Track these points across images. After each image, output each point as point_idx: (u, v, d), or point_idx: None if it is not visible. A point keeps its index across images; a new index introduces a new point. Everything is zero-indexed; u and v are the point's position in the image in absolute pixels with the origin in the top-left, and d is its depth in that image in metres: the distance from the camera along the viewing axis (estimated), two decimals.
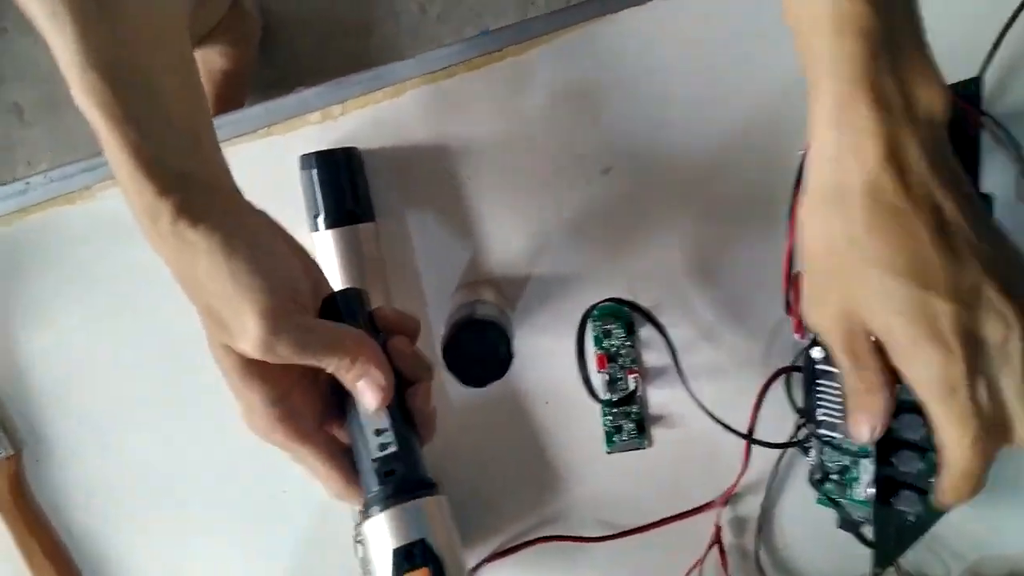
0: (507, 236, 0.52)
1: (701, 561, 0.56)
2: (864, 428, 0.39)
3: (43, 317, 0.52)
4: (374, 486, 0.38)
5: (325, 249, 0.47)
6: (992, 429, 0.36)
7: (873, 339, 0.37)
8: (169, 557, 0.56)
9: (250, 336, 0.35)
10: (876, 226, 0.35)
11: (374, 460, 0.38)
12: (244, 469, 0.55)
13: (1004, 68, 0.48)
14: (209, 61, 0.91)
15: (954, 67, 0.47)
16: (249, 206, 0.39)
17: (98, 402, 0.54)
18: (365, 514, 0.38)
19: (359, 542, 0.50)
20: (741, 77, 0.51)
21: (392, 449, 0.38)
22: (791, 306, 0.48)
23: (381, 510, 0.37)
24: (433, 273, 0.52)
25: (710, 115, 0.51)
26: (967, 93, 0.44)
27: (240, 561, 0.57)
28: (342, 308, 0.40)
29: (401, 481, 0.37)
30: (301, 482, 0.55)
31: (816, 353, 0.48)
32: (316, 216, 0.48)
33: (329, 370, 0.38)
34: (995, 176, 0.49)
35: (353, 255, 0.47)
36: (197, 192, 0.36)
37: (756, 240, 0.52)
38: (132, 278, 0.52)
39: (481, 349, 0.43)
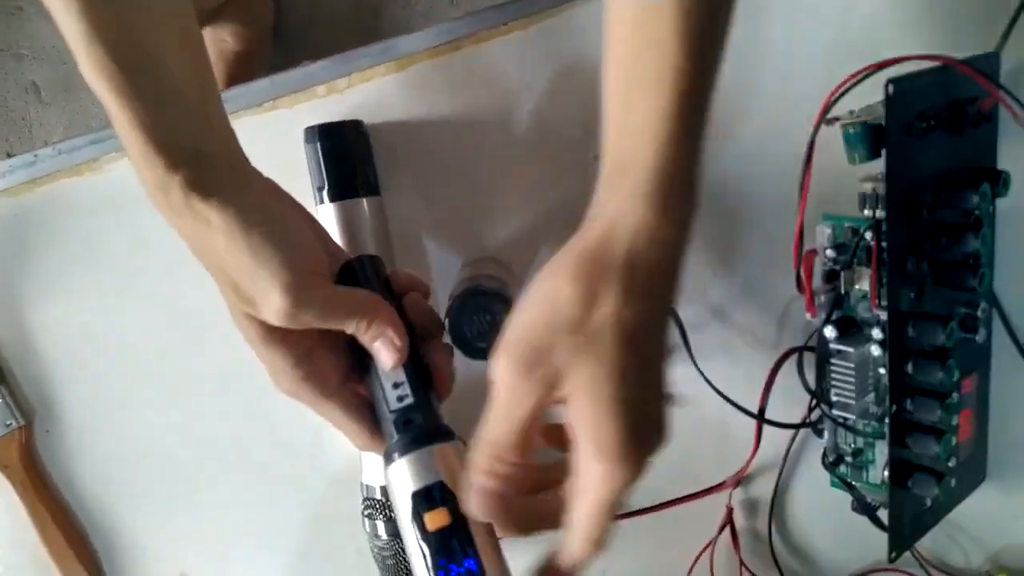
0: (514, 213, 0.51)
1: (713, 542, 0.55)
2: (477, 501, 0.37)
3: (52, 289, 0.53)
4: (394, 435, 0.39)
5: (329, 222, 0.47)
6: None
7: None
8: (178, 529, 0.57)
9: (274, 308, 0.37)
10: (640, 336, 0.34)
11: (392, 411, 0.40)
12: (254, 444, 0.55)
13: (1022, 44, 0.46)
14: (220, 41, 0.91)
15: (971, 42, 0.45)
16: (259, 177, 0.40)
17: (108, 375, 0.54)
18: (387, 462, 0.39)
19: (368, 516, 0.50)
20: (751, 53, 0.49)
21: (409, 401, 0.40)
22: (803, 284, 0.47)
23: (400, 456, 0.38)
24: (439, 249, 0.52)
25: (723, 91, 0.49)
26: (984, 68, 0.42)
27: (250, 535, 0.57)
28: (359, 274, 0.42)
29: (419, 429, 0.39)
30: (311, 458, 0.55)
31: (829, 332, 0.47)
32: (320, 189, 0.47)
33: (348, 331, 0.39)
34: (1011, 152, 0.47)
35: (357, 229, 0.47)
36: (208, 166, 0.37)
37: (767, 217, 0.51)
38: (140, 251, 0.52)
39: (485, 321, 0.43)
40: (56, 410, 0.55)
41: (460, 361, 0.44)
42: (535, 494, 0.38)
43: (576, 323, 0.33)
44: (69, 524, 0.56)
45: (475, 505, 0.36)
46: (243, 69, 0.92)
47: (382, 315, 0.40)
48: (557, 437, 0.38)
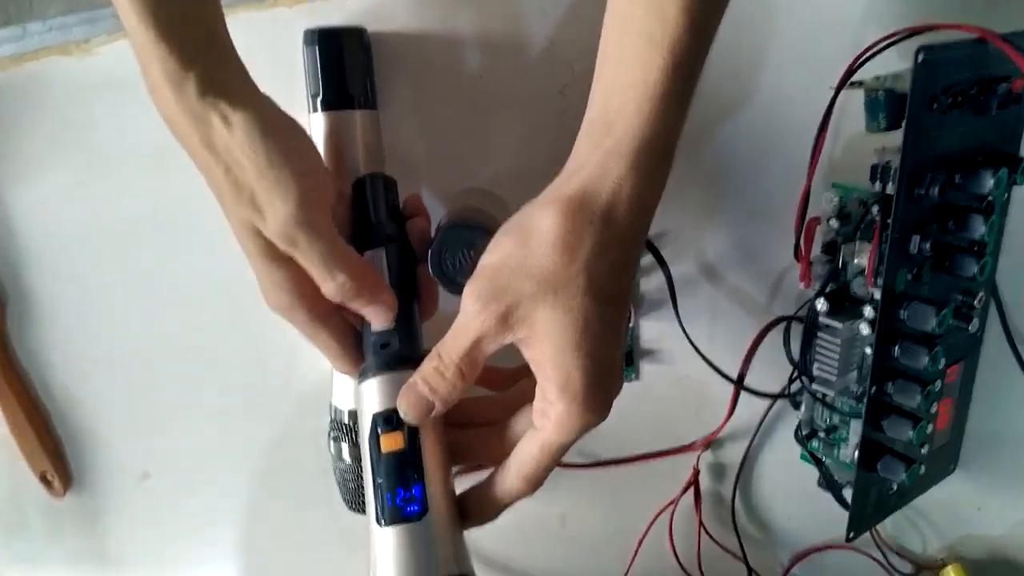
0: (514, 143, 0.50)
1: (675, 502, 0.55)
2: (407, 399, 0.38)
3: (29, 173, 0.51)
4: (370, 356, 0.40)
5: (320, 132, 0.45)
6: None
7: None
8: (144, 430, 0.56)
9: (279, 217, 0.36)
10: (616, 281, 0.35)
11: (374, 333, 0.40)
12: (228, 354, 0.55)
13: None
14: None
15: (1013, 18, 0.43)
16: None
17: (83, 267, 0.53)
18: (359, 381, 0.40)
19: (334, 439, 0.50)
20: (780, 10, 0.47)
21: (390, 326, 0.40)
22: (801, 252, 0.46)
23: (371, 376, 0.39)
24: (432, 173, 0.50)
25: (733, 40, 0.47)
26: (1018, 45, 0.40)
27: (215, 444, 0.56)
28: (369, 192, 0.43)
29: (393, 354, 0.40)
30: (283, 376, 0.55)
31: (820, 305, 0.46)
32: (315, 96, 0.45)
33: (330, 289, 0.38)
34: None
35: (348, 142, 0.45)
36: (223, 63, 0.37)
37: (775, 179, 0.49)
38: (125, 142, 0.50)
39: (468, 256, 0.41)
40: (29, 297, 0.53)
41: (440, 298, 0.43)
42: (461, 427, 0.40)
43: (547, 271, 0.34)
44: (36, 411, 0.55)
45: (403, 403, 0.37)
46: None
47: (369, 282, 0.39)
48: (498, 379, 0.41)
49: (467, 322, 0.35)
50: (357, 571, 0.57)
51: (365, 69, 0.46)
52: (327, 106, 0.45)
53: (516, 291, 0.34)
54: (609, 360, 0.35)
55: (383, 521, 0.37)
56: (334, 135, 0.45)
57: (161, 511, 0.58)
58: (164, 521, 0.58)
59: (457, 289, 0.42)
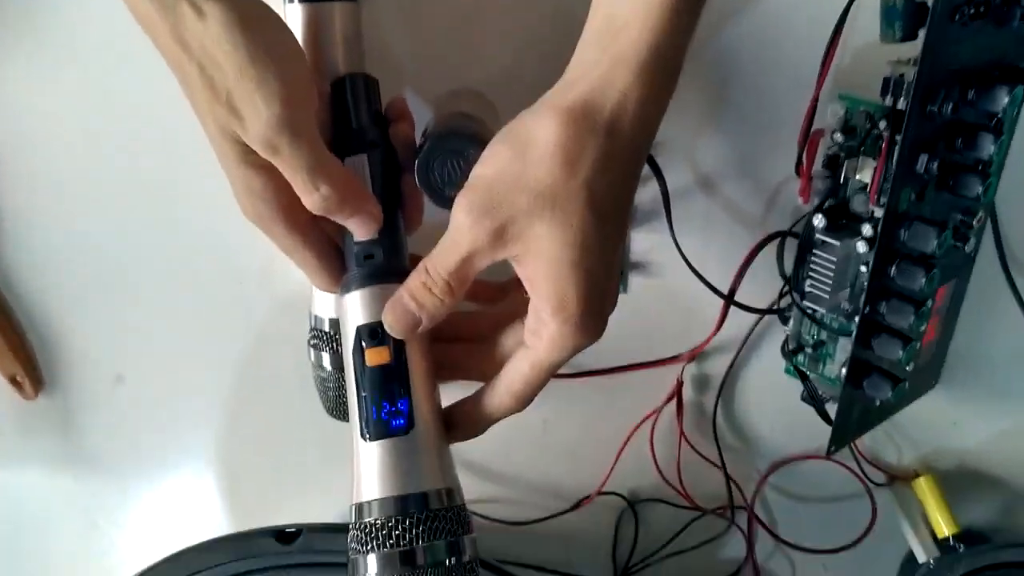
0: (505, 40, 0.46)
1: (657, 411, 0.55)
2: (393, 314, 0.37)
3: None
4: (353, 268, 0.39)
5: (295, 26, 0.42)
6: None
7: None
8: (116, 333, 0.55)
9: (260, 121, 0.33)
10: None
11: (356, 243, 0.39)
12: (201, 257, 0.53)
13: None
14: None
15: None
16: None
17: (48, 167, 0.50)
18: (342, 292, 0.39)
19: (314, 347, 0.49)
20: None
21: (374, 236, 0.39)
22: (802, 166, 0.44)
23: (355, 288, 0.38)
24: (417, 73, 0.47)
25: None
26: None
27: (190, 349, 0.55)
28: (350, 94, 0.40)
29: (377, 266, 0.39)
30: (259, 275, 0.53)
31: (818, 221, 0.45)
32: None
33: (313, 199, 0.36)
34: None
35: (326, 37, 0.42)
36: None
37: (779, 89, 0.47)
38: (93, 30, 0.46)
39: (457, 166, 0.39)
40: None
41: (427, 209, 0.41)
42: (448, 342, 0.39)
43: (545, 184, 0.32)
44: (5, 317, 0.54)
45: (389, 317, 0.36)
46: None
47: (351, 202, 0.37)
48: (486, 294, 0.40)
49: (458, 237, 0.34)
50: (334, 473, 0.57)
51: None
52: None
53: (511, 205, 0.32)
54: (606, 280, 0.34)
55: (368, 435, 0.37)
56: (311, 29, 0.42)
57: (136, 415, 0.57)
58: (139, 424, 0.57)
59: (445, 202, 0.40)
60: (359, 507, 0.36)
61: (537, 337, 0.35)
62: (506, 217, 0.32)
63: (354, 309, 0.38)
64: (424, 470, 0.36)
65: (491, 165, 0.33)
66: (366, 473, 0.36)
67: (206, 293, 0.53)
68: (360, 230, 0.39)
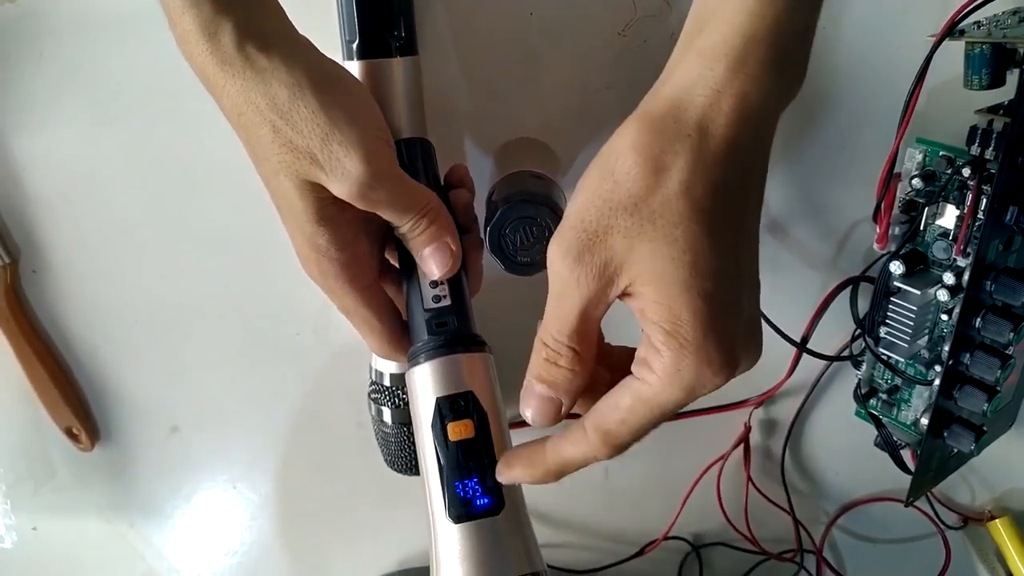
0: (565, 89, 0.45)
1: (725, 457, 0.54)
2: (532, 407, 0.32)
3: (37, 118, 0.46)
4: (424, 335, 0.37)
5: None
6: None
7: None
8: (170, 384, 0.54)
9: (351, 177, 0.33)
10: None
11: (427, 310, 0.38)
12: (254, 306, 0.52)
13: None
14: None
15: None
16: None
17: (97, 217, 0.49)
18: (412, 363, 0.37)
19: (374, 400, 0.48)
20: None
21: (446, 303, 0.38)
22: (880, 213, 0.43)
23: (428, 359, 0.36)
24: (475, 123, 0.46)
25: None
26: None
27: (244, 397, 0.54)
28: (407, 158, 0.39)
29: (453, 334, 0.37)
30: (315, 326, 0.52)
31: (896, 268, 0.43)
32: (350, 42, 0.41)
33: (402, 228, 0.36)
34: None
35: (387, 93, 0.41)
36: (261, 10, 0.33)
37: (852, 128, 0.45)
38: (141, 83, 0.45)
39: (530, 232, 0.38)
40: (43, 251, 0.50)
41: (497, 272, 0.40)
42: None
43: (638, 200, 0.28)
44: (57, 367, 0.53)
45: (529, 412, 0.32)
46: None
47: (441, 219, 0.37)
48: (619, 360, 0.33)
49: (563, 289, 0.30)
50: (389, 524, 0.57)
51: (403, 10, 0.42)
52: (361, 53, 0.41)
53: (608, 231, 0.28)
54: (731, 303, 0.29)
55: (452, 516, 0.35)
56: (369, 86, 0.41)
57: (190, 464, 0.57)
58: (194, 473, 0.57)
59: (517, 268, 0.39)
60: None
61: (646, 368, 0.29)
62: (606, 246, 0.29)
63: (430, 380, 0.36)
64: (511, 555, 0.35)
65: (580, 195, 0.30)
66: (447, 556, 0.35)
67: (260, 343, 0.53)
68: (438, 263, 0.37)
